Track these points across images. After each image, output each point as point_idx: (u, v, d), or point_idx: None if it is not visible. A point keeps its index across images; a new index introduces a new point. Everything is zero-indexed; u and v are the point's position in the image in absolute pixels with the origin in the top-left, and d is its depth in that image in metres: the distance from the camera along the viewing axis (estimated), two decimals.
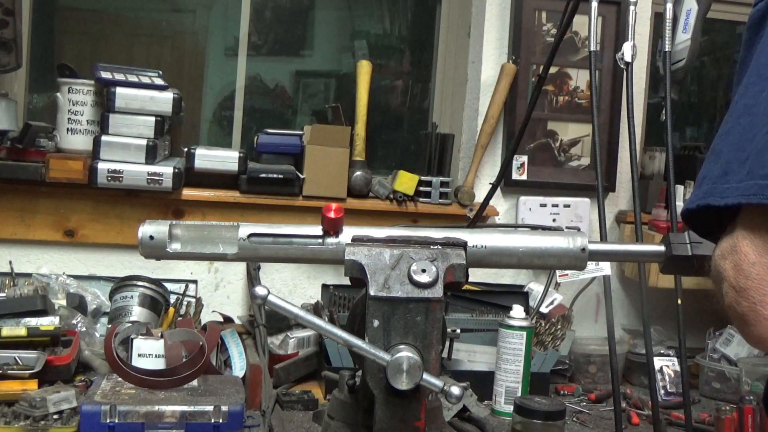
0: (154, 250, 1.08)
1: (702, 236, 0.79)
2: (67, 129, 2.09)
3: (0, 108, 2.05)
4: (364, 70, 2.42)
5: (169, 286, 2.11)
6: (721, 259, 0.71)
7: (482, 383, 1.83)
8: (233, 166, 2.21)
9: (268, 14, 2.73)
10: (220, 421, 1.46)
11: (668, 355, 2.10)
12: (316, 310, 1.99)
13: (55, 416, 1.47)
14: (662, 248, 0.96)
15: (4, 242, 2.13)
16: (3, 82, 2.25)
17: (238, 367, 1.82)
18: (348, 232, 1.05)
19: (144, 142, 2.05)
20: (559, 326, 2.15)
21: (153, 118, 2.06)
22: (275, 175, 2.25)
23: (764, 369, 1.98)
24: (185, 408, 1.47)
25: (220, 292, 2.27)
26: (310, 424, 1.62)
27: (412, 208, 2.35)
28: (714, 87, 3.06)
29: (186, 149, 2.20)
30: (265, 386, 1.68)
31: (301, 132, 2.37)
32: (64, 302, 1.93)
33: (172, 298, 2.11)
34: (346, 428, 1.07)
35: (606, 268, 1.94)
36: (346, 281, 1.04)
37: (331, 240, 1.06)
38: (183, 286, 2.17)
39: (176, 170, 2.08)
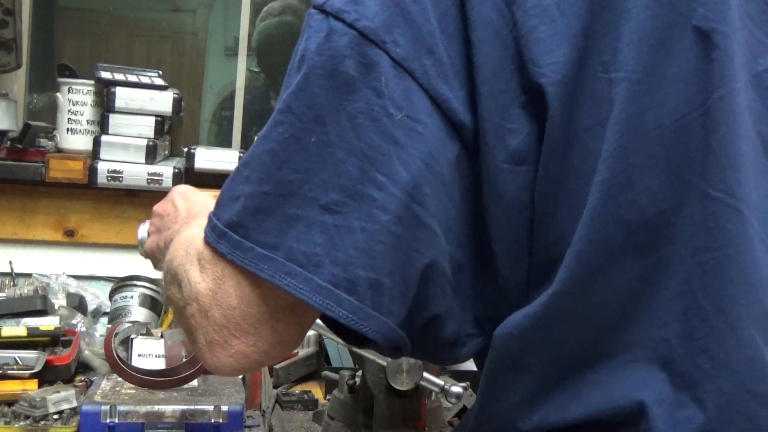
0: None
1: None
2: (67, 129, 2.09)
3: (0, 108, 2.05)
4: None
5: None
6: (194, 271, 0.70)
7: None
8: (233, 166, 2.21)
9: None
10: (220, 421, 1.46)
11: None
12: None
13: (55, 416, 1.47)
14: None
15: (4, 242, 2.13)
16: (3, 82, 2.25)
17: None
18: None
19: (144, 142, 2.05)
20: None
21: (153, 118, 2.06)
22: None
23: None
24: (185, 408, 1.47)
25: None
26: (310, 424, 1.62)
27: None
28: None
29: (186, 149, 2.20)
30: (265, 386, 1.68)
31: None
32: (64, 302, 1.93)
33: None
34: (346, 428, 1.07)
35: None
36: None
37: None
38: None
39: (176, 170, 2.08)
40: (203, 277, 0.69)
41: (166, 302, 0.72)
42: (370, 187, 0.62)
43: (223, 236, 0.66)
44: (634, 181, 0.62)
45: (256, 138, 0.70)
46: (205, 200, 0.93)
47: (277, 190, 0.64)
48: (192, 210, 0.89)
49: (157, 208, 1.01)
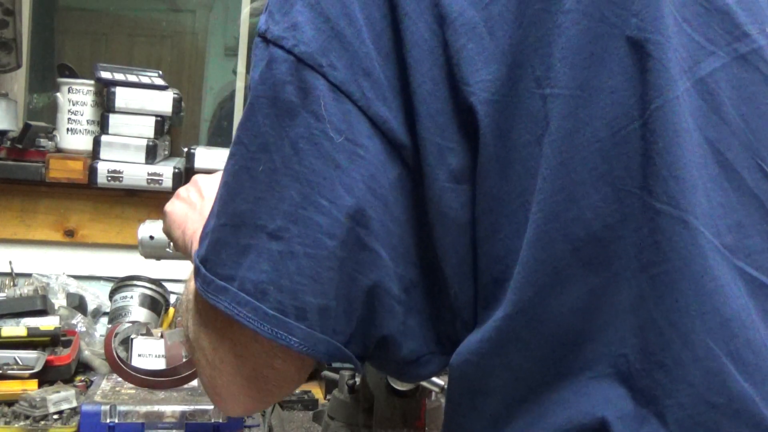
0: (154, 250, 1.08)
1: None
2: (67, 129, 2.09)
3: (0, 108, 2.05)
4: None
5: (169, 286, 2.11)
6: (198, 327, 0.73)
7: None
8: None
9: None
10: (220, 421, 1.46)
11: None
12: None
13: (55, 416, 1.47)
14: None
15: (4, 242, 2.13)
16: (3, 82, 2.25)
17: None
18: None
19: (144, 142, 2.05)
20: None
21: (153, 118, 2.07)
22: None
23: None
24: (185, 408, 1.47)
25: None
26: (310, 424, 1.62)
27: None
28: None
29: (186, 149, 2.20)
30: None
31: None
32: (64, 302, 1.93)
33: (172, 298, 2.11)
34: (346, 428, 1.07)
35: None
36: None
37: None
38: (183, 286, 2.17)
39: (176, 170, 2.08)
40: (192, 323, 0.74)
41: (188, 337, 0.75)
42: (312, 211, 0.62)
43: (197, 273, 0.68)
44: (577, 197, 0.61)
45: None
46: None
47: (231, 221, 0.65)
48: (204, 211, 0.89)
49: (183, 191, 1.02)
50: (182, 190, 1.03)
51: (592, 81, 0.61)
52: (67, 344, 1.73)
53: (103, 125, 2.05)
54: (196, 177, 1.03)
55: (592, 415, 0.61)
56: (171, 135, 2.28)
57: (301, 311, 0.63)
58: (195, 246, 0.75)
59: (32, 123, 2.08)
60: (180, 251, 0.98)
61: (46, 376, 1.61)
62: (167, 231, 1.03)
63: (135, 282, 2.03)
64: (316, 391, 1.81)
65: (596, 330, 0.62)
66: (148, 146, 2.05)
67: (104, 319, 2.03)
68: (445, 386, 0.94)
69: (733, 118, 0.65)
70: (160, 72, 2.17)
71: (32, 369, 1.60)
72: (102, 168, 2.04)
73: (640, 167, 0.61)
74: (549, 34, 0.62)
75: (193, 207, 0.97)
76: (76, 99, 2.09)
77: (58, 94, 2.11)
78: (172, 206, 1.02)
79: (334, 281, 0.63)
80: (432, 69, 0.62)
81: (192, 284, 0.74)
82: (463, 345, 0.66)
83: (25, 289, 1.91)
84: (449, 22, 0.62)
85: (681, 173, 0.61)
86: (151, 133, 2.07)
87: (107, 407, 1.44)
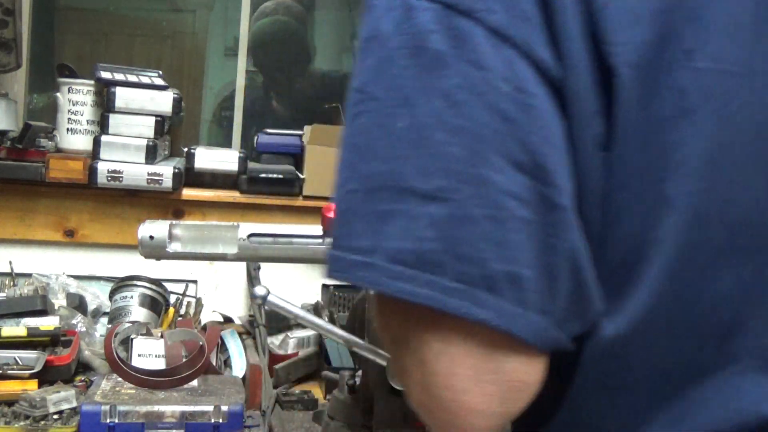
0: (154, 250, 1.08)
1: None
2: (67, 129, 2.09)
3: (0, 108, 2.05)
4: None
5: (169, 286, 2.11)
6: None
7: None
8: (233, 166, 2.21)
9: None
10: (220, 421, 1.46)
11: None
12: (316, 310, 1.99)
13: (55, 416, 1.47)
14: None
15: (4, 242, 2.13)
16: (3, 82, 2.25)
17: (238, 367, 1.82)
18: None
19: (144, 142, 2.05)
20: None
21: (153, 118, 2.06)
22: (275, 175, 2.25)
23: None
24: (185, 408, 1.47)
25: (220, 292, 2.27)
26: (310, 424, 1.62)
27: None
28: None
29: (186, 149, 2.20)
30: (265, 386, 1.68)
31: (301, 132, 2.37)
32: (64, 302, 1.93)
33: (172, 298, 2.11)
34: (346, 428, 1.07)
35: None
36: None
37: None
38: (183, 286, 2.17)
39: (176, 170, 2.08)
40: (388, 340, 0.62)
41: None
42: (485, 168, 0.54)
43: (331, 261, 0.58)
44: (735, 179, 0.57)
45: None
46: None
47: (363, 185, 0.56)
48: None
49: None
50: None
51: (756, 60, 0.58)
52: (67, 344, 1.73)
53: (103, 125, 2.05)
54: None
55: (756, 412, 0.58)
56: (171, 135, 2.28)
57: (490, 280, 0.54)
58: None
59: (32, 123, 2.08)
60: None
61: (46, 376, 1.61)
62: None
63: (135, 282, 2.03)
64: (316, 391, 1.81)
65: (746, 320, 0.59)
66: (148, 146, 2.05)
67: (104, 319, 2.02)
68: None
69: None
70: (160, 72, 2.17)
71: (32, 369, 1.60)
72: (102, 168, 2.03)
73: None
74: (706, 6, 0.57)
75: None
76: (76, 99, 2.09)
77: (58, 94, 2.10)
78: None
79: (525, 247, 0.54)
80: (576, 18, 0.57)
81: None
82: (598, 336, 0.59)
83: (25, 289, 1.91)
84: None
85: None
86: (151, 133, 2.07)
87: (107, 407, 1.44)
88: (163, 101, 2.07)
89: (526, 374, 0.56)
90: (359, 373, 1.04)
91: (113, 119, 2.04)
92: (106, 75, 2.06)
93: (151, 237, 1.07)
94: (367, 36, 0.59)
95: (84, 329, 1.85)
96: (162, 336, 1.69)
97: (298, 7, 2.70)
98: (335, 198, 0.59)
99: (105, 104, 2.05)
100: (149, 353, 1.65)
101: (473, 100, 0.55)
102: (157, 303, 2.02)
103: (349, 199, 0.57)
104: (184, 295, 2.15)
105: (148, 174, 2.06)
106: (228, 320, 2.16)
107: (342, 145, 0.59)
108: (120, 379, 1.56)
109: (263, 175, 2.24)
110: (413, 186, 0.54)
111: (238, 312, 2.25)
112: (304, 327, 1.88)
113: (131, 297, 1.99)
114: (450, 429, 0.58)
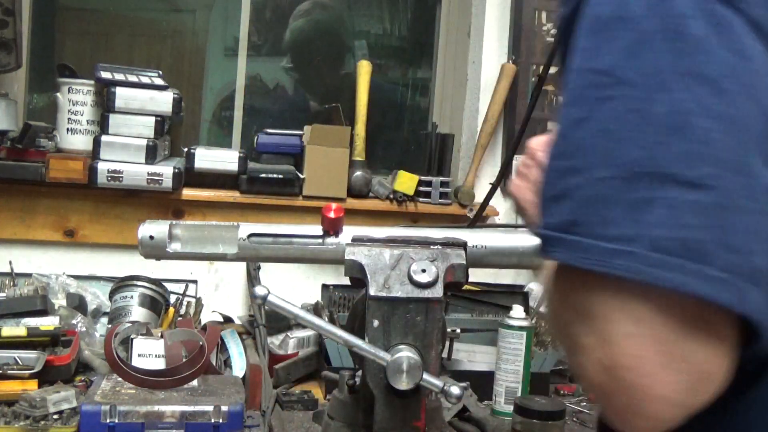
0: (154, 250, 1.08)
1: None
2: (67, 129, 2.09)
3: (0, 108, 2.05)
4: (364, 70, 2.42)
5: (169, 286, 2.11)
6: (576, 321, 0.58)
7: (482, 383, 1.83)
8: (233, 166, 2.21)
9: (268, 14, 2.72)
10: (220, 421, 1.46)
11: None
12: (316, 310, 1.99)
13: (55, 416, 1.47)
14: None
15: (4, 242, 2.13)
16: (3, 82, 2.25)
17: (238, 367, 1.82)
18: (348, 232, 1.05)
19: (144, 142, 2.05)
20: None
21: (153, 118, 2.07)
22: (275, 175, 2.25)
23: None
24: (185, 408, 1.47)
25: (220, 292, 2.27)
26: (310, 424, 1.62)
27: (412, 208, 2.35)
28: None
29: (186, 149, 2.20)
30: (265, 386, 1.68)
31: (301, 132, 2.37)
32: (64, 302, 1.93)
33: (172, 298, 2.11)
34: (346, 428, 1.07)
35: None
36: (346, 281, 1.04)
37: (331, 240, 1.06)
38: (183, 286, 2.17)
39: (176, 170, 2.08)
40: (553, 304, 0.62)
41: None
42: (752, 159, 0.53)
43: (556, 243, 0.57)
44: None
45: (558, 125, 0.60)
46: None
47: (618, 172, 0.55)
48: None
49: (522, 167, 0.93)
50: (520, 167, 0.92)
51: None
52: (67, 344, 1.73)
53: (103, 125, 2.05)
54: (531, 144, 0.91)
55: None
56: (171, 135, 2.28)
57: (757, 276, 0.53)
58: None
59: (32, 123, 2.08)
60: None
61: (46, 376, 1.61)
62: (521, 213, 0.93)
63: (135, 282, 2.03)
64: (316, 391, 1.81)
65: None
66: (148, 146, 2.05)
67: (104, 319, 2.03)
68: (445, 386, 0.94)
69: None
70: (160, 72, 2.17)
71: (32, 369, 1.60)
72: (102, 168, 2.04)
73: None
74: None
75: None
76: (76, 99, 2.09)
77: (58, 94, 2.11)
78: (513, 188, 0.92)
79: None
80: None
81: (550, 270, 0.62)
82: None
83: (25, 289, 1.91)
84: None
85: None
86: (151, 133, 2.07)
87: (107, 407, 1.44)
88: (163, 101, 2.08)
89: (717, 366, 0.55)
90: (359, 373, 1.04)
91: (113, 119, 2.04)
92: (106, 75, 2.06)
93: (151, 237, 1.07)
94: (610, 15, 0.58)
95: (84, 329, 1.85)
96: (162, 336, 1.69)
97: (334, 6, 2.73)
98: (574, 185, 0.57)
99: (105, 104, 2.05)
100: (149, 353, 1.65)
101: (740, 90, 0.54)
102: (157, 303, 2.02)
103: (600, 186, 0.55)
104: (184, 295, 2.15)
105: (148, 174, 2.06)
106: (228, 320, 2.16)
107: (577, 127, 0.58)
108: (120, 379, 1.57)
109: (263, 175, 2.24)
110: (675, 173, 0.53)
111: (238, 312, 2.25)
112: (304, 327, 1.88)
113: (131, 297, 1.99)
114: (628, 414, 0.56)
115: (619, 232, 0.54)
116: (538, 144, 0.93)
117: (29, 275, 2.07)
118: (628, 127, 0.55)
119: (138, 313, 1.96)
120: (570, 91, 0.59)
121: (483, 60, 2.46)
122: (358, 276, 1.00)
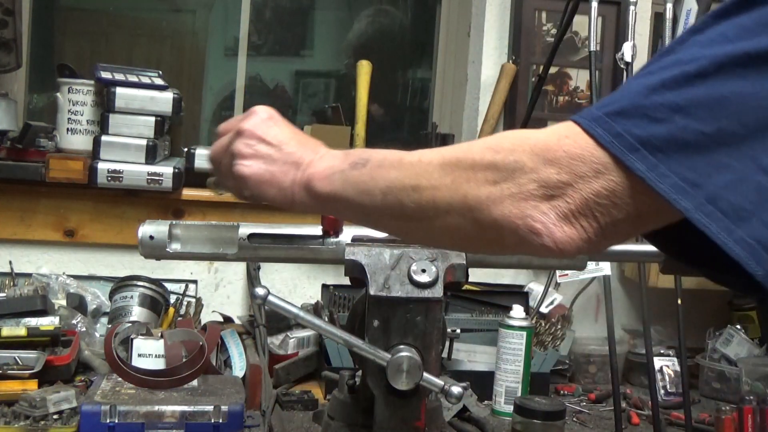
0: (154, 250, 1.08)
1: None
2: (67, 129, 2.09)
3: (0, 108, 2.05)
4: (364, 70, 2.42)
5: (169, 286, 2.11)
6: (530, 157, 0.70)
7: (482, 383, 1.83)
8: None
9: (268, 14, 2.73)
10: (220, 421, 1.46)
11: (668, 355, 2.10)
12: (316, 310, 1.99)
13: (55, 416, 1.47)
14: None
15: (4, 242, 2.13)
16: (3, 82, 2.25)
17: (238, 367, 1.82)
18: (348, 232, 1.05)
19: (144, 142, 2.05)
20: (559, 326, 2.15)
21: (153, 118, 2.06)
22: None
23: (764, 369, 1.98)
24: (185, 408, 1.47)
25: (220, 292, 2.27)
26: (310, 424, 1.62)
27: None
28: None
29: (186, 149, 2.20)
30: (265, 386, 1.68)
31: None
32: (64, 302, 1.93)
33: (172, 298, 2.11)
34: (346, 428, 1.07)
35: (606, 268, 1.94)
36: (346, 281, 1.04)
37: (331, 240, 1.06)
38: (183, 286, 2.17)
39: (176, 170, 2.08)
40: (558, 142, 0.69)
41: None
42: None
43: (634, 151, 0.65)
44: None
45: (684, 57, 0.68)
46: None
47: (717, 136, 0.64)
48: (286, 156, 0.88)
49: (244, 148, 0.93)
50: (243, 147, 0.92)
51: None
52: (67, 344, 1.73)
53: (103, 125, 2.05)
54: (245, 127, 0.92)
55: None
56: (171, 135, 2.28)
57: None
58: (303, 182, 0.81)
59: (32, 123, 2.08)
60: (282, 206, 0.91)
61: (46, 376, 1.61)
62: (256, 195, 0.94)
63: (135, 282, 2.03)
64: (316, 391, 1.81)
65: None
66: (148, 146, 2.05)
67: (104, 319, 2.03)
68: (445, 386, 0.94)
69: None
70: (160, 72, 2.17)
71: (32, 369, 1.60)
72: (102, 168, 2.03)
73: None
74: None
75: (272, 159, 0.90)
76: (76, 99, 2.09)
77: (58, 94, 2.10)
78: (247, 169, 0.92)
79: None
80: None
81: None
82: None
83: (25, 289, 1.91)
84: None
85: None
86: (151, 133, 2.06)
87: (107, 407, 1.44)
88: (163, 101, 2.07)
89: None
90: (359, 373, 1.04)
91: (113, 119, 2.04)
92: (106, 75, 2.06)
93: (151, 237, 1.07)
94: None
95: (84, 329, 1.85)
96: (162, 336, 1.69)
97: (395, 12, 2.74)
98: (674, 119, 0.65)
99: (105, 104, 2.05)
100: (149, 353, 1.65)
101: None
102: (157, 303, 2.02)
103: (698, 137, 0.64)
104: (184, 295, 2.15)
105: (148, 174, 2.06)
106: (228, 320, 2.16)
107: (703, 83, 0.64)
108: (120, 379, 1.57)
109: None
110: (756, 156, 0.63)
111: (238, 312, 2.25)
112: (304, 327, 1.88)
113: (131, 297, 1.99)
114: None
115: (692, 177, 0.64)
116: (259, 127, 0.92)
117: (29, 275, 2.07)
118: (743, 106, 0.64)
119: (138, 313, 1.96)
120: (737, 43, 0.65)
121: (483, 60, 2.46)
122: (358, 276, 1.00)
